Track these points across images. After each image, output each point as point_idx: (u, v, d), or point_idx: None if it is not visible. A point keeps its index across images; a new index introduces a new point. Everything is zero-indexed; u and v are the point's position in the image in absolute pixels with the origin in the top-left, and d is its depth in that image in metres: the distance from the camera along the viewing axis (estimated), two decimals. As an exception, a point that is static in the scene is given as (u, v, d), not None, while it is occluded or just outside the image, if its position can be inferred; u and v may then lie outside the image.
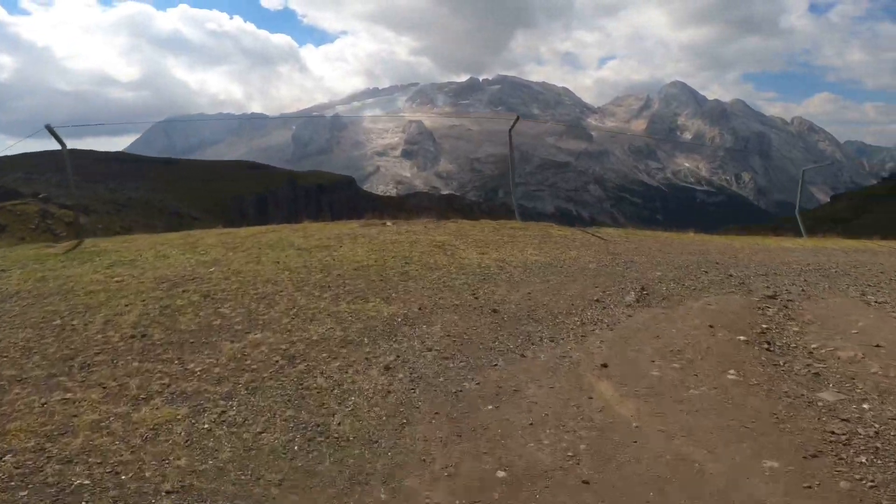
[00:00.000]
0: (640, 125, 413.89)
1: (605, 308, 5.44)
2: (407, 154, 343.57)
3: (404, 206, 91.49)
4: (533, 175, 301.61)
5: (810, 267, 7.75)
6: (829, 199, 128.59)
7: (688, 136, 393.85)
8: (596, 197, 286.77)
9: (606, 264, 7.18)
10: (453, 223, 9.04)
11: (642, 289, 6.01)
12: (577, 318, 5.14)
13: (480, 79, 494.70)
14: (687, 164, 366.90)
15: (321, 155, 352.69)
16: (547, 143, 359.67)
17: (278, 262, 6.58)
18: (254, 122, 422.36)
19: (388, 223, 8.44)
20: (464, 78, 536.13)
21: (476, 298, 5.56)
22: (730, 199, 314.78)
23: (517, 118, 8.96)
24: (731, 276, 6.85)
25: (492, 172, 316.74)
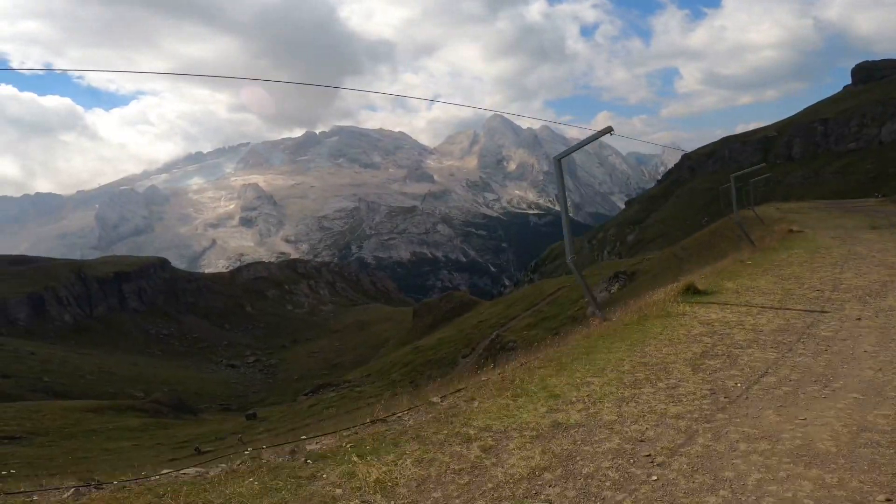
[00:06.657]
0: (472, 161, 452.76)
1: None
2: (246, 222, 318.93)
3: (236, 281, 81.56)
4: (383, 224, 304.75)
5: None
6: (624, 206, 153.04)
7: (513, 165, 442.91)
8: (446, 236, 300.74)
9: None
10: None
11: None
12: None
13: (317, 132, 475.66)
14: (518, 192, 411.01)
15: (138, 236, 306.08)
16: (392, 189, 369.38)
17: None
18: (40, 205, 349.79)
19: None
20: (298, 133, 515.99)
21: None
22: (556, 219, 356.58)
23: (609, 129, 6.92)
24: None
25: (341, 228, 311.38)
